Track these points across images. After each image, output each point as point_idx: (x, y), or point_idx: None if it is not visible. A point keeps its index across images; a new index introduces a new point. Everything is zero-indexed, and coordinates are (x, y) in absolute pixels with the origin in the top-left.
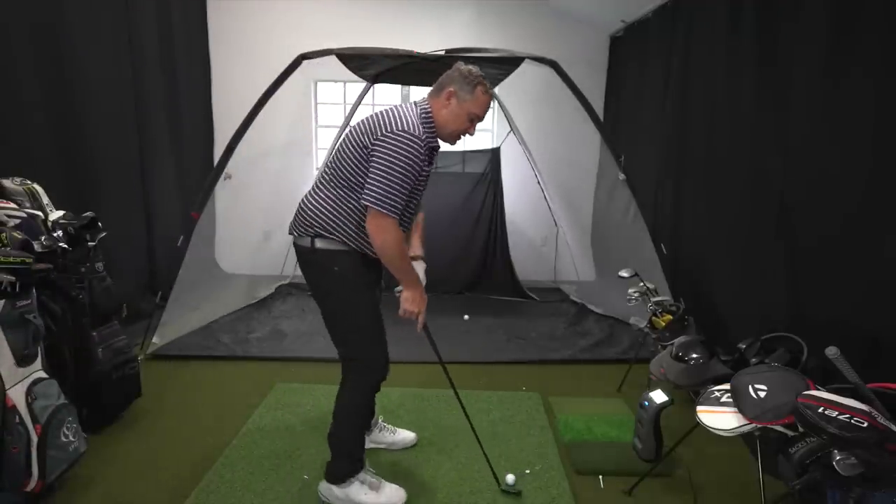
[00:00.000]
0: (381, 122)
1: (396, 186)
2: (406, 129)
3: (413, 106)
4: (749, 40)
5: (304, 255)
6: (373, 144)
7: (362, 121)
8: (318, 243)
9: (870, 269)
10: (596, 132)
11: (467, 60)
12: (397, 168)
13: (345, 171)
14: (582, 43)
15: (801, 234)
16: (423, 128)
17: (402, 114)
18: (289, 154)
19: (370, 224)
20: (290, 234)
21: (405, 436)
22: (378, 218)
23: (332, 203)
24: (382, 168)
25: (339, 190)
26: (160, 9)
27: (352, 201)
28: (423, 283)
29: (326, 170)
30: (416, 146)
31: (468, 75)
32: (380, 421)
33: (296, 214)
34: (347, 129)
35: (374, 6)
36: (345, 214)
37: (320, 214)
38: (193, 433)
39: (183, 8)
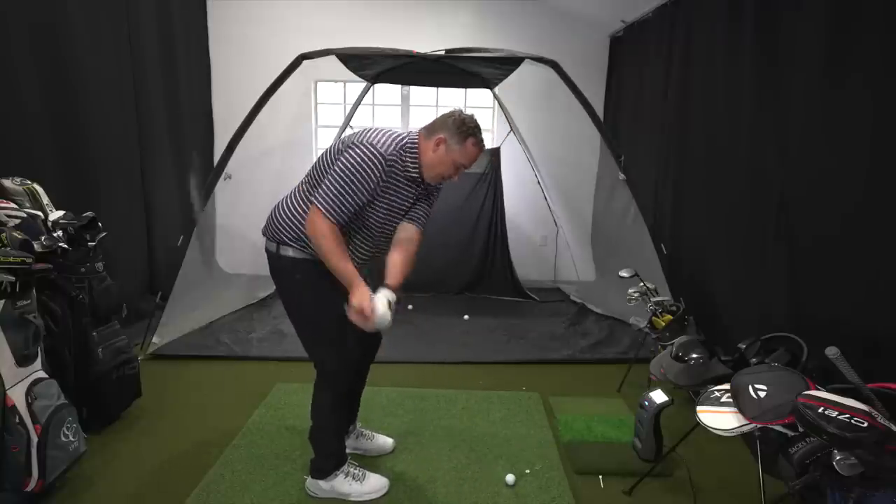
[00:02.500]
0: (356, 135)
1: (346, 196)
2: (373, 143)
3: (401, 132)
4: (749, 40)
5: (271, 261)
6: (339, 152)
7: (346, 136)
8: (283, 251)
9: (870, 269)
10: (596, 132)
11: (467, 61)
12: (352, 178)
13: (319, 179)
14: (582, 43)
15: (801, 233)
16: (402, 154)
17: (380, 132)
18: (289, 154)
19: (309, 220)
20: (262, 233)
21: (382, 442)
22: (317, 217)
23: (301, 214)
24: (338, 174)
25: (309, 202)
26: (160, 9)
27: None
28: (388, 319)
29: (306, 180)
30: (376, 161)
31: (461, 126)
32: (357, 427)
33: (268, 219)
34: (333, 143)
35: (374, 6)
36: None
37: (289, 224)
38: (193, 433)
39: (183, 8)
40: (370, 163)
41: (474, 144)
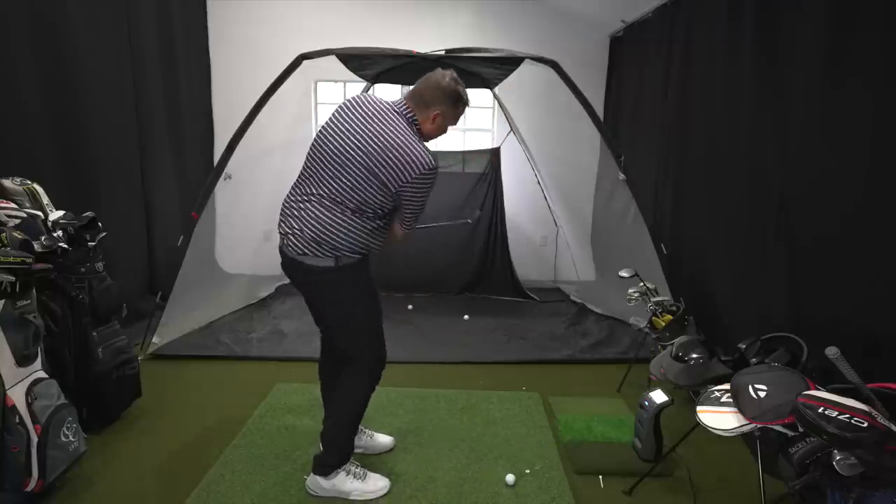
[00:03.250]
0: (405, 165)
1: (423, 208)
2: (430, 165)
3: (405, 121)
4: (749, 40)
5: (324, 274)
6: (401, 187)
7: (367, 140)
8: (342, 261)
9: (870, 269)
10: (596, 132)
11: (467, 61)
12: (425, 197)
13: (362, 200)
14: (582, 43)
15: (801, 233)
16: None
17: (412, 145)
18: (289, 154)
19: (401, 236)
20: (301, 254)
21: (382, 440)
22: (408, 233)
23: (352, 226)
24: (416, 203)
25: (354, 213)
26: (160, 9)
27: (365, 220)
28: None
29: (331, 191)
30: (435, 174)
31: (452, 94)
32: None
33: (315, 235)
34: (349, 146)
35: (373, 6)
36: (363, 233)
37: (346, 238)
38: (193, 433)
39: (183, 8)
40: (433, 180)
41: (463, 107)
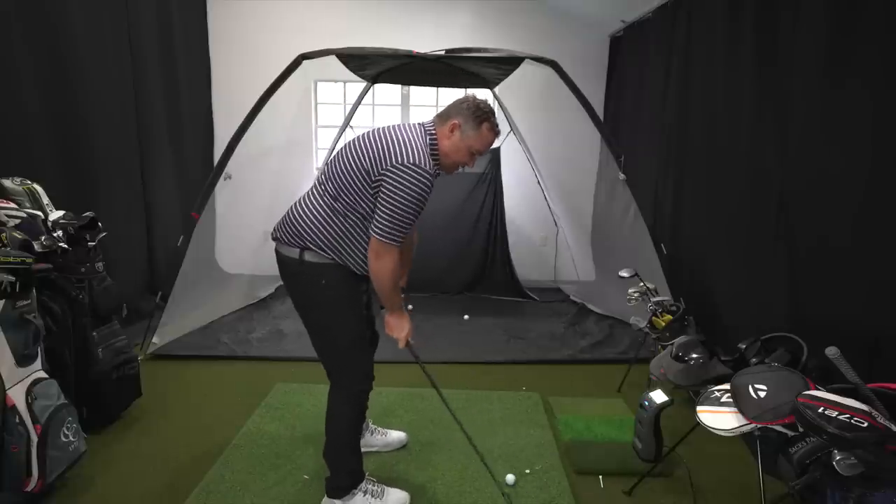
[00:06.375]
0: (390, 151)
1: (404, 220)
2: (416, 162)
3: (420, 130)
4: (749, 40)
5: (290, 266)
6: (380, 174)
7: (367, 140)
8: (307, 256)
9: (870, 269)
10: (596, 132)
11: (467, 61)
12: (407, 203)
13: (344, 191)
14: (582, 43)
15: (801, 233)
16: (431, 158)
17: (411, 141)
18: (289, 154)
19: (372, 251)
20: (273, 238)
21: (396, 436)
22: (382, 248)
23: (326, 219)
24: (392, 202)
25: (335, 208)
26: (160, 9)
27: (349, 220)
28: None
29: (324, 181)
30: (426, 181)
31: (476, 110)
32: (370, 424)
33: (285, 221)
34: (349, 142)
35: (374, 6)
36: (339, 232)
37: (313, 228)
38: (193, 433)
39: (183, 8)
40: (421, 184)
41: (489, 129)
